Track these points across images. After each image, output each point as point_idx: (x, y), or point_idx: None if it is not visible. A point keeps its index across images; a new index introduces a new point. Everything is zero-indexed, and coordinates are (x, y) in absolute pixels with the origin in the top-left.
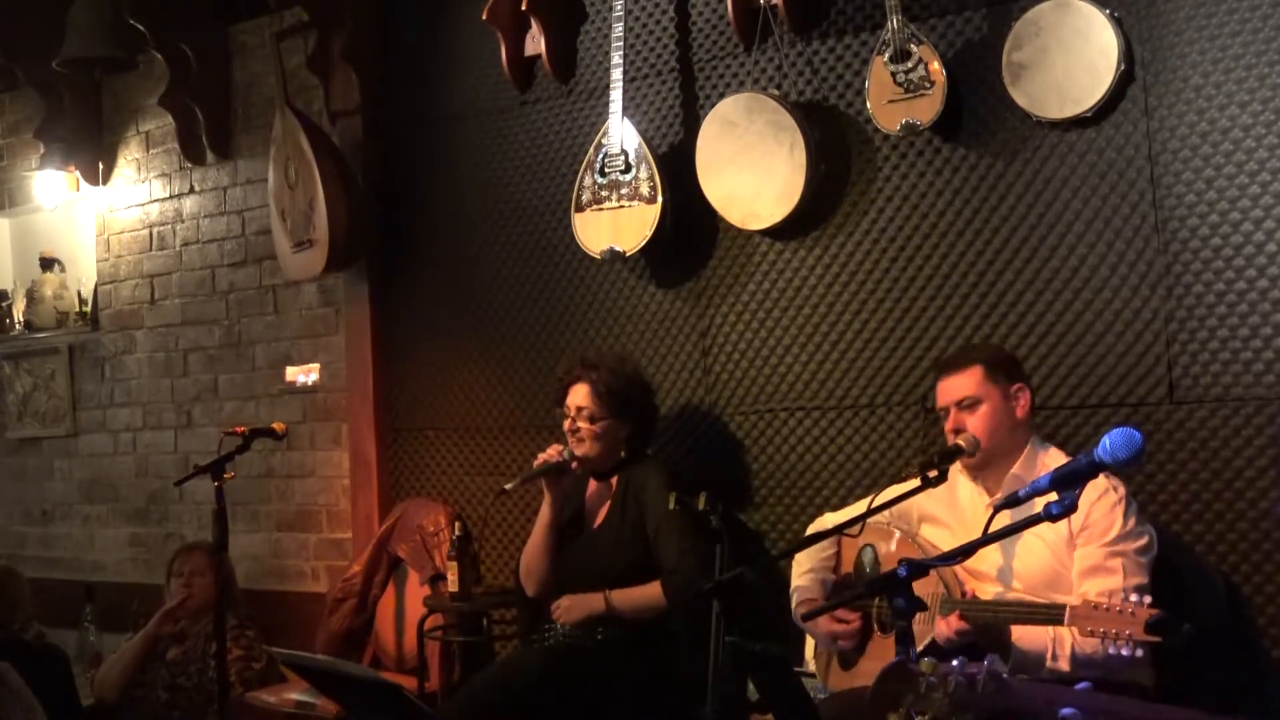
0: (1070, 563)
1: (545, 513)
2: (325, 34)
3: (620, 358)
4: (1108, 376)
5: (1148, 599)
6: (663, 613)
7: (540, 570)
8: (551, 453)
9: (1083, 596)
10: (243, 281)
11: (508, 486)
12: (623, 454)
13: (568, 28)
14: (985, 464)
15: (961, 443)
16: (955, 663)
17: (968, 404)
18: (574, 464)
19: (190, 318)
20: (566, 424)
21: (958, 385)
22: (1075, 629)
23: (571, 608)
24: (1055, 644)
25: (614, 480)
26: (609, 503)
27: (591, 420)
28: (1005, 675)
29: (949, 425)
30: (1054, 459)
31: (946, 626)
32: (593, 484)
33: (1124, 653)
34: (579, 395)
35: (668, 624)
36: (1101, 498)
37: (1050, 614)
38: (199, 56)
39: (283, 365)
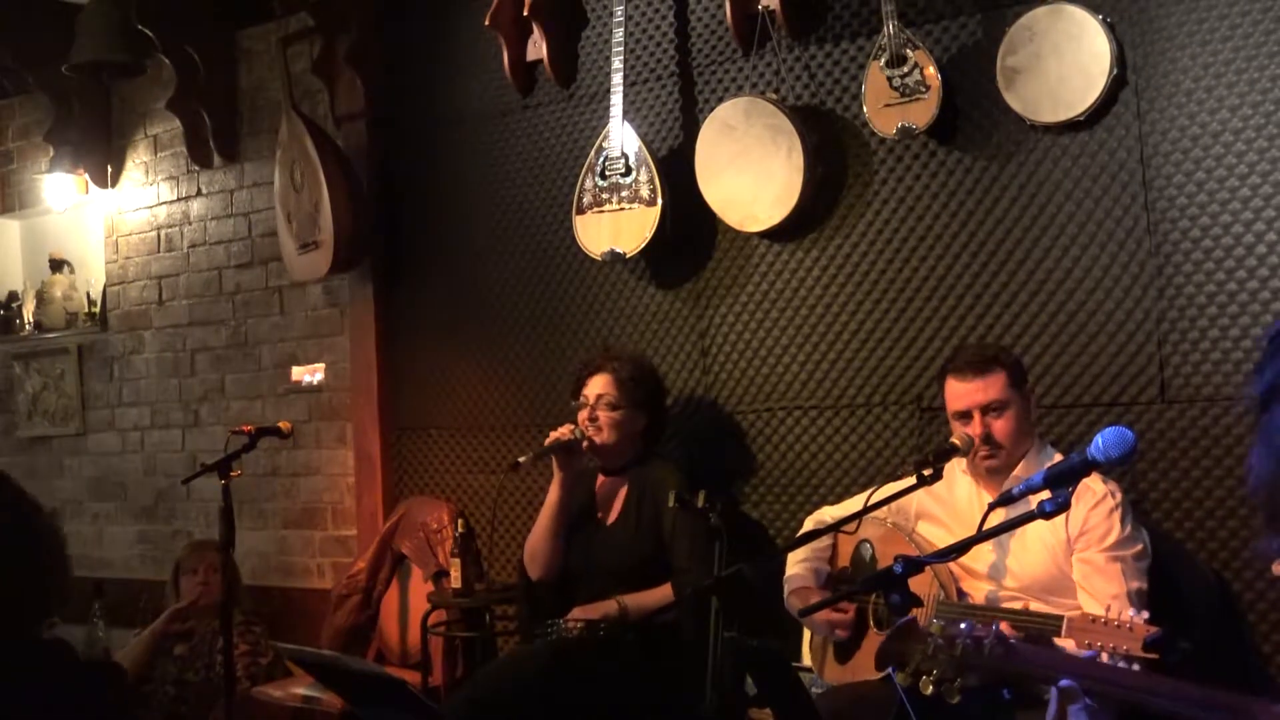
0: (1069, 567)
1: (554, 492)
2: (330, 39)
3: (639, 353)
4: (1100, 376)
5: (1145, 613)
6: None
7: (546, 552)
8: (564, 431)
9: (1082, 612)
10: (249, 283)
11: (521, 460)
12: (636, 449)
13: (569, 33)
14: (1006, 466)
15: (957, 441)
16: (964, 625)
17: (995, 408)
18: (584, 444)
19: (197, 318)
20: (584, 414)
21: (984, 389)
22: (1072, 640)
23: (586, 617)
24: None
25: (627, 477)
26: (623, 499)
27: (612, 408)
28: (1012, 640)
29: (975, 430)
30: (1056, 462)
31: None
32: (602, 479)
33: (1119, 666)
34: (599, 384)
35: (672, 621)
36: (1100, 503)
37: (1048, 624)
38: (206, 61)
39: (288, 365)
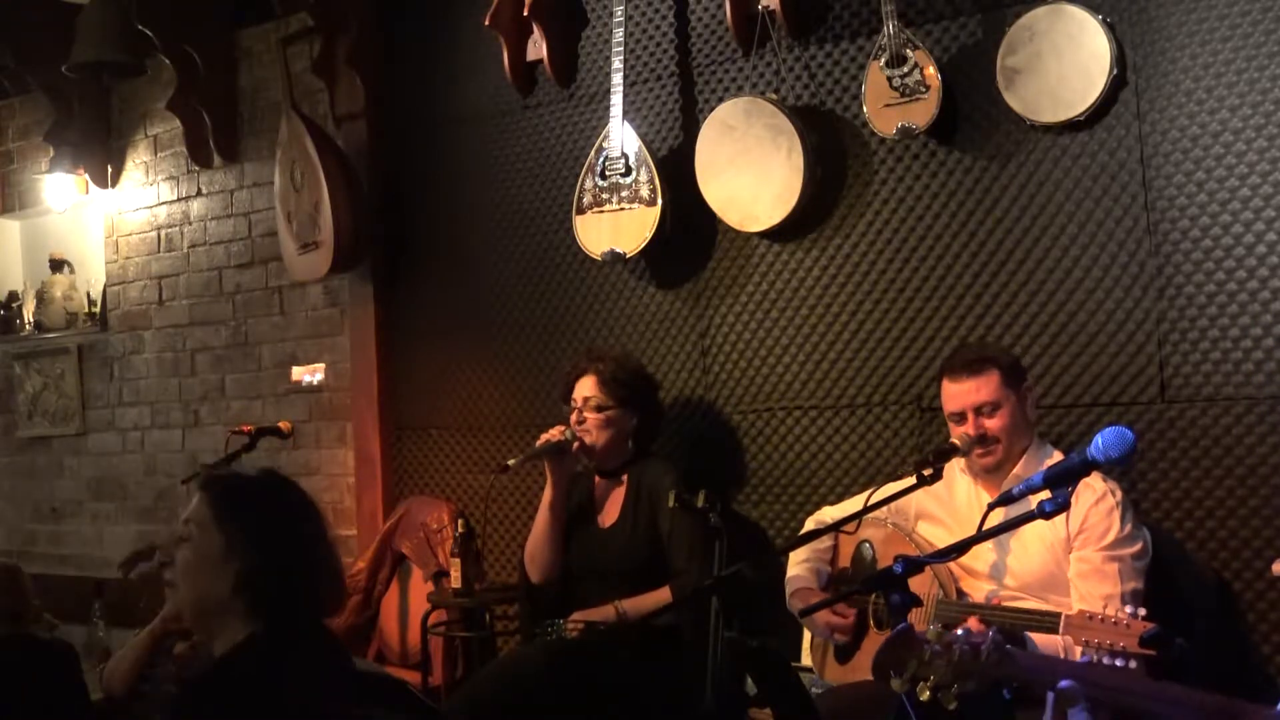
0: (1067, 565)
1: (548, 494)
2: (330, 39)
3: (625, 353)
4: (1100, 376)
5: (1143, 610)
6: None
7: (545, 555)
8: (554, 433)
9: (1079, 609)
10: (249, 283)
11: (510, 463)
12: (630, 449)
13: (569, 33)
14: (1001, 465)
15: (957, 441)
16: (960, 631)
17: (988, 409)
18: (575, 445)
19: (197, 318)
20: (573, 416)
21: (977, 390)
22: (1070, 637)
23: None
24: (1066, 650)
25: (624, 477)
26: (621, 500)
27: (599, 409)
28: (1008, 645)
29: (969, 430)
30: (1055, 460)
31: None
32: (599, 481)
33: (1117, 664)
34: (586, 386)
35: (672, 622)
36: (1099, 501)
37: (1045, 622)
38: (206, 61)
39: (288, 365)
